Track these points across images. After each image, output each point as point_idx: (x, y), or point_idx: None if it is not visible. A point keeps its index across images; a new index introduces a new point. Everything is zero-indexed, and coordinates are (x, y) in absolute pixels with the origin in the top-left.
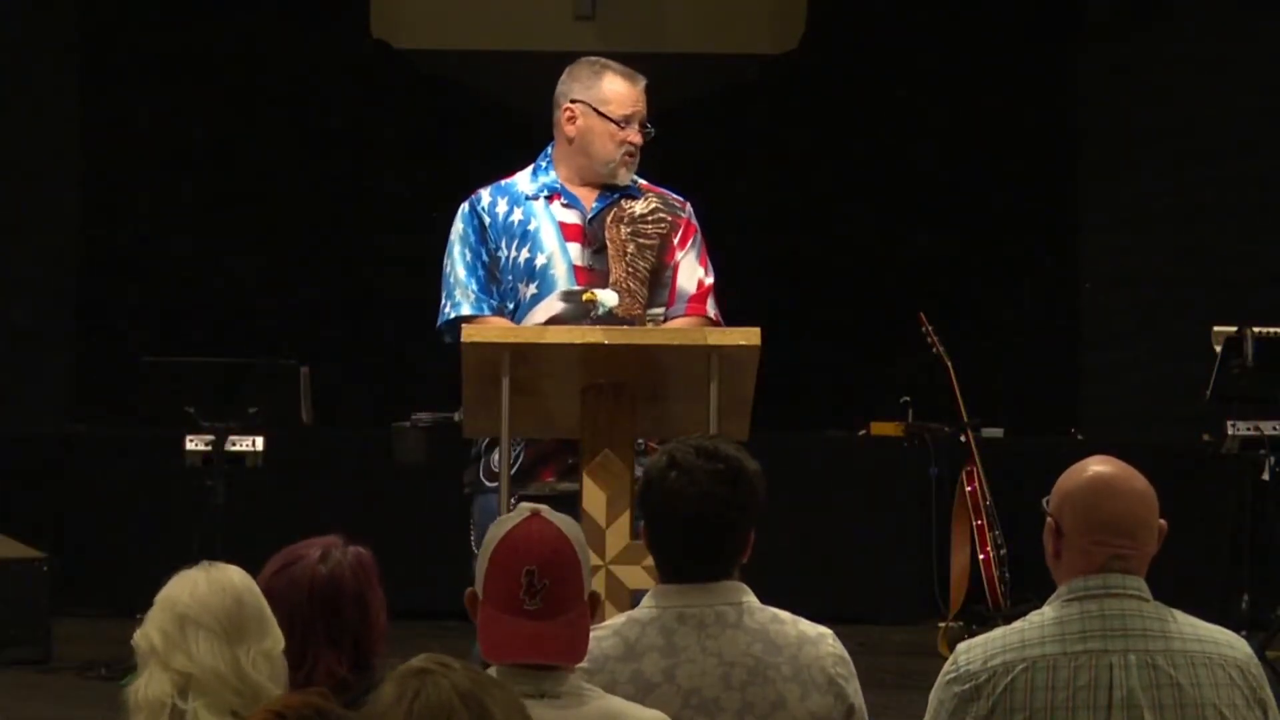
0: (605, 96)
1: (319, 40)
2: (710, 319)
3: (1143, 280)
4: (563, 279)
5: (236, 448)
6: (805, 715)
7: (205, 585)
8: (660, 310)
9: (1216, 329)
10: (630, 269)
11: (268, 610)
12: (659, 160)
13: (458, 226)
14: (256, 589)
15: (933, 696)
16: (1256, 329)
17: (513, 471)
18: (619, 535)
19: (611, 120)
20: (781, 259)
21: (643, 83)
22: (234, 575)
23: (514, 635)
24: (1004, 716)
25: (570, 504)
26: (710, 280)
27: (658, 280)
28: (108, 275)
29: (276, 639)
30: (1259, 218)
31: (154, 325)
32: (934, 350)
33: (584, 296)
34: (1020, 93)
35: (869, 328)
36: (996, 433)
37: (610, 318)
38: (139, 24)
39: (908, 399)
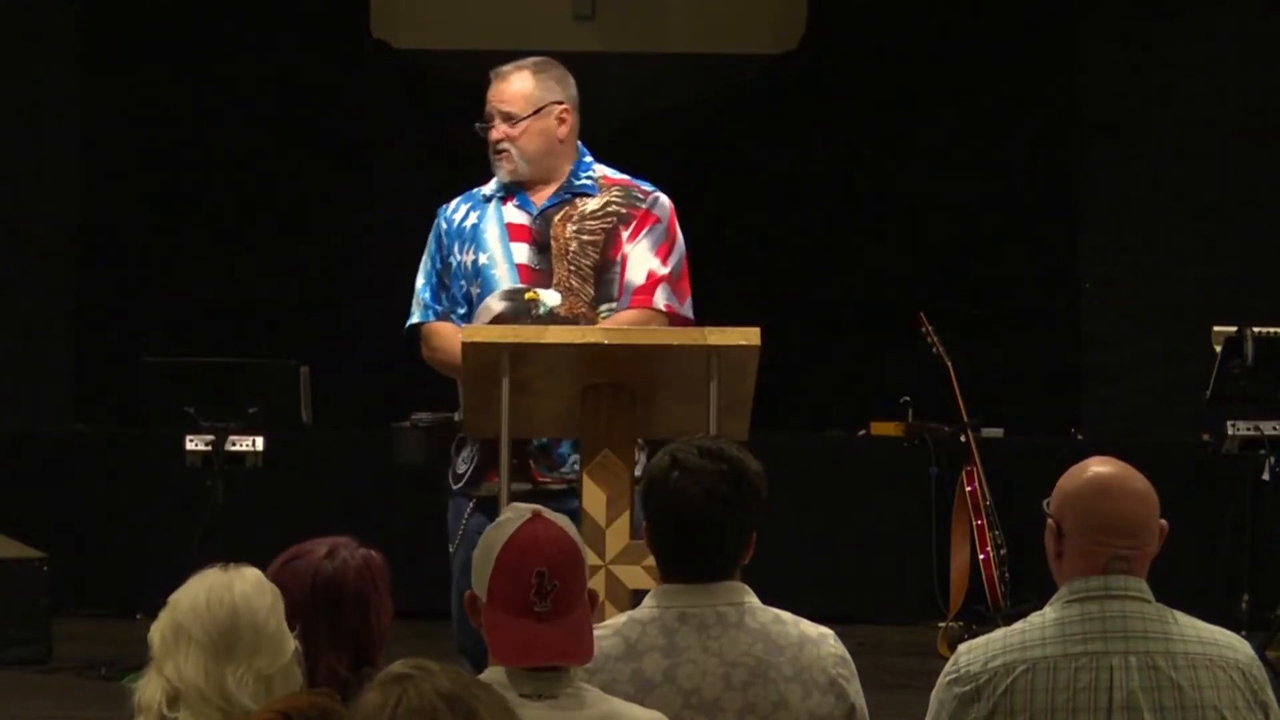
0: None
1: (319, 40)
2: (660, 310)
3: (1143, 280)
4: (504, 279)
5: (236, 448)
6: (806, 715)
7: (205, 596)
8: (613, 305)
9: (1216, 329)
10: (573, 267)
11: (271, 624)
12: (658, 160)
13: (430, 236)
14: (264, 600)
15: (933, 697)
16: (1256, 329)
17: (467, 476)
18: (619, 535)
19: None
20: (781, 258)
21: (504, 76)
22: (239, 586)
23: (526, 638)
24: (1005, 718)
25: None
26: (665, 271)
27: (605, 275)
28: (108, 275)
29: (276, 655)
30: (1259, 218)
31: (154, 325)
32: (934, 350)
33: (526, 295)
34: (1021, 93)
35: (869, 328)
36: (996, 433)
37: (552, 317)
38: (139, 24)
39: (908, 399)
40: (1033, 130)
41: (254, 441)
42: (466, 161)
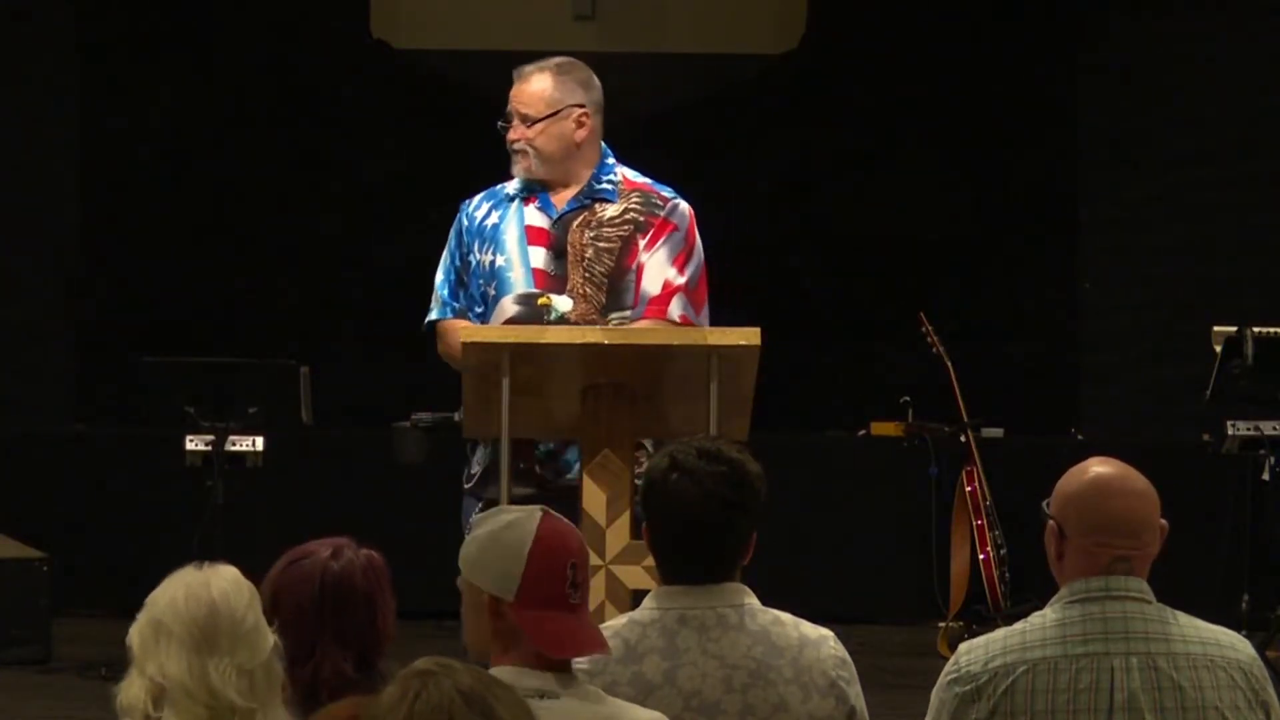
0: None
1: (319, 40)
2: (675, 321)
3: (1143, 280)
4: (519, 282)
5: (236, 448)
6: (806, 718)
7: (184, 593)
8: (626, 313)
9: (1216, 329)
10: (587, 274)
11: (250, 620)
12: (658, 160)
13: (450, 231)
14: (241, 596)
15: (934, 697)
16: (1256, 329)
17: (478, 477)
18: (619, 535)
19: None
20: (781, 259)
21: (525, 76)
22: (216, 582)
23: (570, 629)
24: (1005, 718)
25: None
26: (682, 280)
27: (619, 284)
28: (108, 275)
29: (256, 650)
30: (1259, 218)
31: (154, 325)
32: (934, 350)
33: (539, 300)
34: (1020, 92)
35: (869, 328)
36: (996, 433)
37: (563, 322)
38: (139, 25)
39: (908, 399)
40: (1032, 130)
41: (254, 441)
42: (466, 161)
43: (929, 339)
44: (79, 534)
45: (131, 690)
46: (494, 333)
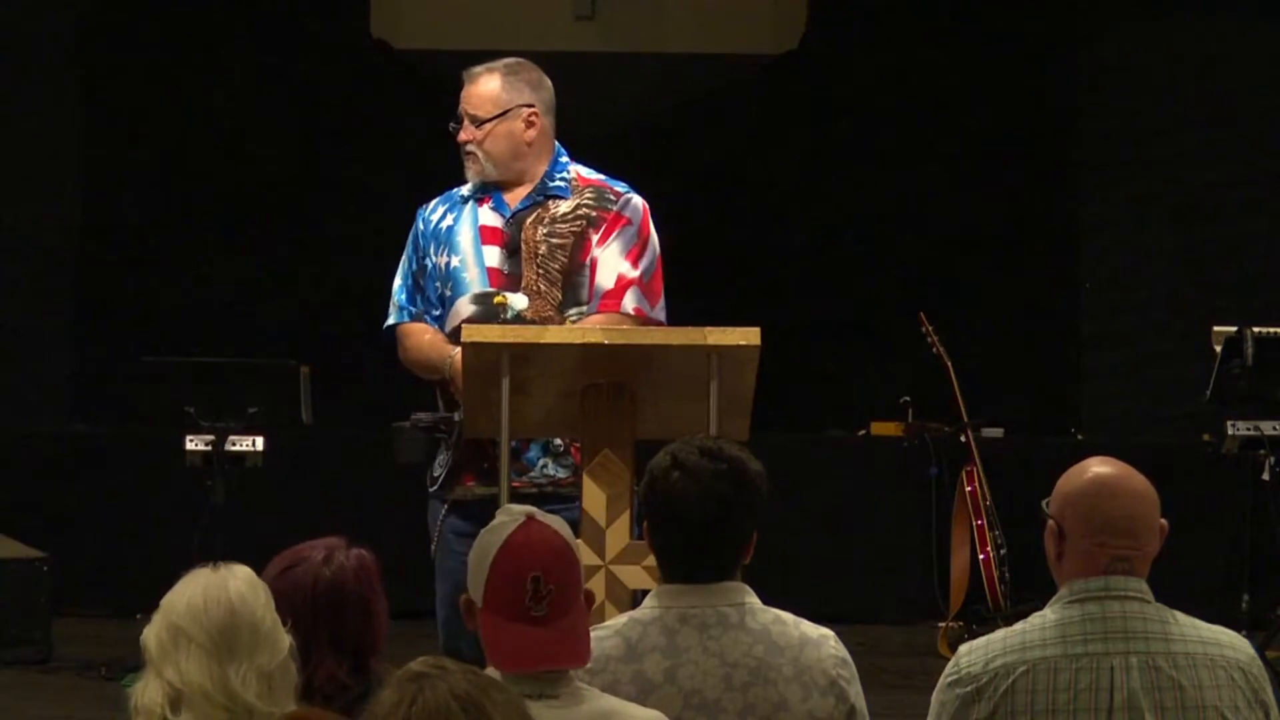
0: None
1: (319, 40)
2: (629, 314)
3: (1143, 280)
4: (474, 282)
5: (236, 448)
6: (806, 717)
7: (201, 596)
8: (582, 309)
9: (1216, 329)
10: (541, 270)
11: (268, 621)
12: (658, 160)
13: (408, 237)
14: (258, 597)
15: (934, 698)
16: (1256, 329)
17: (441, 480)
18: (619, 535)
19: None
20: (781, 258)
21: (474, 77)
22: (234, 584)
23: (524, 643)
24: (1005, 719)
25: (490, 508)
26: (635, 274)
27: (574, 279)
28: (108, 275)
29: (275, 651)
30: (1259, 218)
31: (154, 325)
32: (934, 350)
33: (494, 299)
34: (1020, 92)
35: (869, 328)
36: (996, 433)
37: (519, 320)
38: (139, 24)
39: (908, 399)
40: (1032, 130)
41: (254, 441)
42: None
43: (929, 339)
44: (79, 534)
45: (149, 693)
46: (494, 332)
